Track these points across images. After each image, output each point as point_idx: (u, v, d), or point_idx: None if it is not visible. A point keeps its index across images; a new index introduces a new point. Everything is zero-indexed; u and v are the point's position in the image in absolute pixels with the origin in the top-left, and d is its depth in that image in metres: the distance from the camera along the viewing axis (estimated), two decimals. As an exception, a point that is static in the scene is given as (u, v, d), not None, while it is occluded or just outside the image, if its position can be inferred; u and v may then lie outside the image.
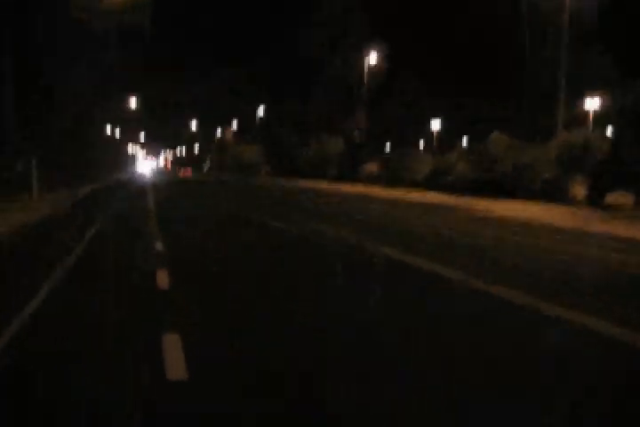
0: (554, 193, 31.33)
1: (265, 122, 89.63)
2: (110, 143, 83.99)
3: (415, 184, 41.05)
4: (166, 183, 55.35)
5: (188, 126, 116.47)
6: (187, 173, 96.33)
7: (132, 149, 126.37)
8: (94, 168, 54.68)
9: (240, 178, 66.65)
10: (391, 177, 45.03)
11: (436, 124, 61.30)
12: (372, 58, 63.10)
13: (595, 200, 29.58)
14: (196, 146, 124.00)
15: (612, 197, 29.68)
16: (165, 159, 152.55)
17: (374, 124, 63.75)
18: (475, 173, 36.58)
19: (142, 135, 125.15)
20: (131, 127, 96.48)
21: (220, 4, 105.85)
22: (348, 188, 44.09)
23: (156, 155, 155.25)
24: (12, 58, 25.78)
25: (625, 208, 27.46)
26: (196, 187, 48.75)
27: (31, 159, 27.78)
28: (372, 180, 48.34)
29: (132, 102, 68.31)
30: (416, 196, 34.93)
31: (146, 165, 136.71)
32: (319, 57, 70.42)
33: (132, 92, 68.73)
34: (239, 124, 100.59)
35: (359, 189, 42.24)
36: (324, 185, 48.18)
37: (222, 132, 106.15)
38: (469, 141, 59.32)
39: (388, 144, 67.64)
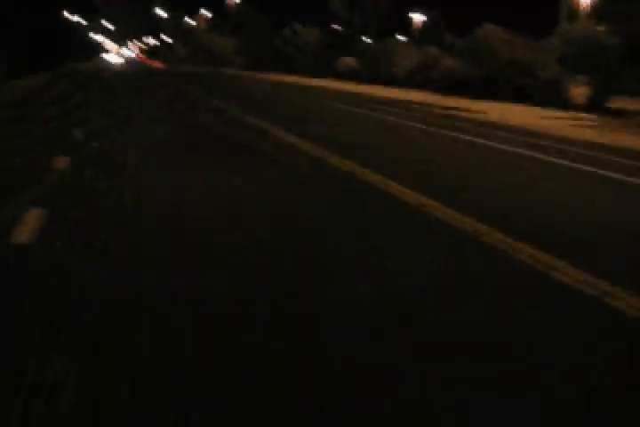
0: (551, 95, 27.40)
1: (238, 10, 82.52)
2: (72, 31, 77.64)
3: (395, 81, 36.48)
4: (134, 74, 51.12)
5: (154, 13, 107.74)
6: (157, 64, 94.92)
7: (98, 37, 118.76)
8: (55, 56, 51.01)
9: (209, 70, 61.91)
10: (370, 73, 40.21)
11: (419, 16, 56.12)
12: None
13: (596, 105, 25.75)
14: (164, 36, 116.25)
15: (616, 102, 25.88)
16: (137, 49, 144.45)
17: (355, 14, 57.88)
18: (463, 69, 32.14)
19: (106, 23, 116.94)
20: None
21: None
22: (311, 82, 39.53)
23: (125, 43, 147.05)
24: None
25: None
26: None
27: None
28: (349, 75, 43.59)
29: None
30: (396, 93, 30.74)
31: (115, 55, 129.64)
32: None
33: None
34: (211, 12, 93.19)
35: (325, 83, 37.75)
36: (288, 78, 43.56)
37: (195, 20, 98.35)
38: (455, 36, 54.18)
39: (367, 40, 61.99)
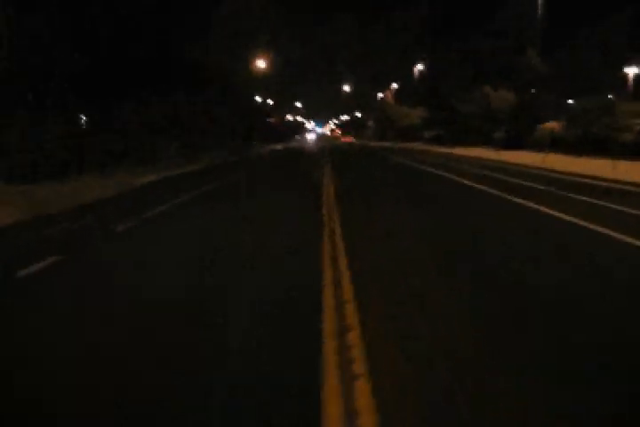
0: None
1: (425, 78, 73.82)
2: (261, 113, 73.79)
3: (624, 150, 25.44)
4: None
5: (341, 90, 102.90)
6: (347, 139, 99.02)
7: (292, 117, 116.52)
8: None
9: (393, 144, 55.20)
10: (584, 140, 29.26)
11: (634, 70, 44.95)
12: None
13: None
14: (357, 113, 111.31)
15: None
16: (329, 127, 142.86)
17: (553, 70, 46.93)
18: None
19: (298, 104, 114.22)
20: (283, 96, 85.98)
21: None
22: (502, 157, 29.18)
23: (322, 123, 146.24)
24: None
25: None
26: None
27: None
28: (549, 144, 32.93)
29: (262, 64, 55.84)
30: None
31: (312, 133, 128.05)
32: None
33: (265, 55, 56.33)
34: (399, 85, 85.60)
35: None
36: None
37: (383, 94, 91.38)
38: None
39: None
